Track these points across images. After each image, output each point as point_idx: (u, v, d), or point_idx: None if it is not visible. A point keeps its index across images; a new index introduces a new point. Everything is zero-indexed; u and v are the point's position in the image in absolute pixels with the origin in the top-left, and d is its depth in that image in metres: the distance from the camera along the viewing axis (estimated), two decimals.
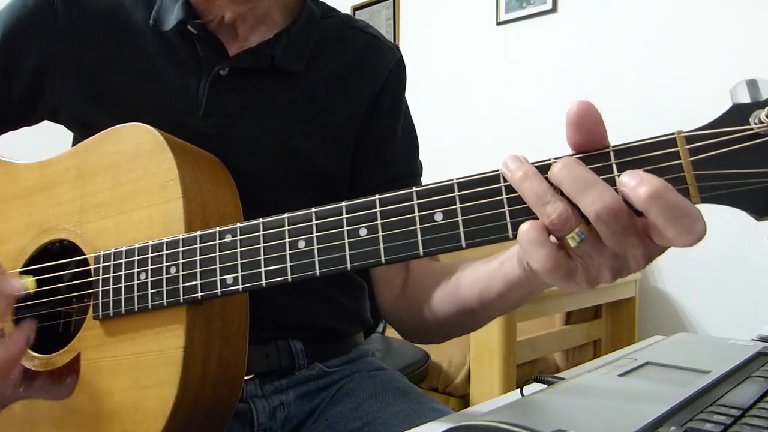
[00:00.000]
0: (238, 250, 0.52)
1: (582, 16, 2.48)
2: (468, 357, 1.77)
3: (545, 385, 0.54)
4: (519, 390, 0.56)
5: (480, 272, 0.60)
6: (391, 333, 1.92)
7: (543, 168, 0.42)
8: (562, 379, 0.52)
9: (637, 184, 0.38)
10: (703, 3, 2.17)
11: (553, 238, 0.41)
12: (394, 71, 0.80)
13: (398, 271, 0.75)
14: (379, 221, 0.46)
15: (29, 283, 0.63)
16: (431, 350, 1.91)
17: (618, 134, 0.42)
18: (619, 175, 0.40)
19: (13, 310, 0.66)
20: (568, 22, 2.52)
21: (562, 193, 0.40)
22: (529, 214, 0.42)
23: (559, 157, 0.42)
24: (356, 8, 3.28)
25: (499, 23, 2.72)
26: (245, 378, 0.67)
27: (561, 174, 0.40)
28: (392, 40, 3.08)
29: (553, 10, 2.55)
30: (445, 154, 2.71)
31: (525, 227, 0.41)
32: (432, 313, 0.68)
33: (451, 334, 0.72)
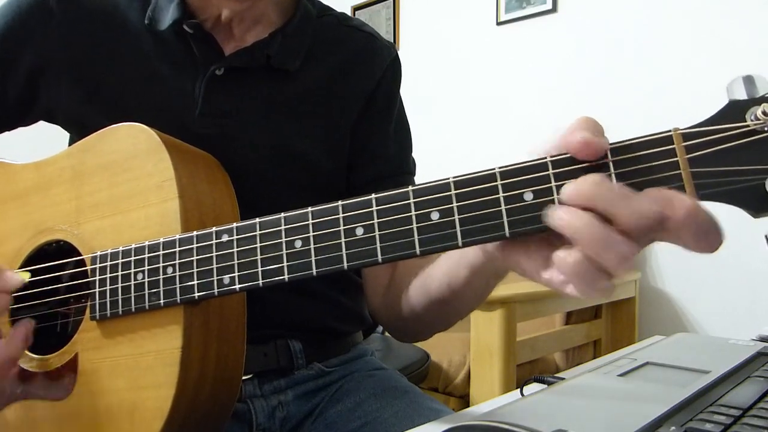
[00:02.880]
0: (235, 249, 0.52)
1: (582, 16, 2.48)
2: (468, 357, 1.77)
3: (545, 385, 0.54)
4: (519, 390, 0.56)
5: (446, 262, 0.60)
6: None
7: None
8: (562, 379, 0.52)
9: (666, 204, 0.37)
10: (703, 3, 2.16)
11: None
12: (389, 69, 0.80)
13: (384, 270, 0.75)
14: (375, 220, 0.46)
15: (23, 276, 0.63)
16: (431, 350, 1.91)
17: (618, 134, 0.41)
18: (616, 173, 0.40)
19: (10, 311, 0.66)
20: (568, 22, 2.52)
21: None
22: (523, 213, 0.42)
23: (553, 156, 0.42)
24: (356, 8, 3.28)
25: (499, 23, 2.72)
26: (244, 378, 0.67)
27: (590, 191, 0.38)
28: (392, 40, 3.09)
29: (553, 10, 2.55)
30: (445, 154, 2.72)
31: (576, 263, 0.39)
32: (409, 307, 0.68)
33: (431, 328, 0.72)
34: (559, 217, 0.39)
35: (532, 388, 0.55)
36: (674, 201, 0.37)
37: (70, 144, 0.77)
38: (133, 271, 0.57)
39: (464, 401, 1.86)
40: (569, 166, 0.41)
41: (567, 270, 0.39)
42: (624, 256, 0.37)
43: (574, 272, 0.39)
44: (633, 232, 0.37)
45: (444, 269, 0.60)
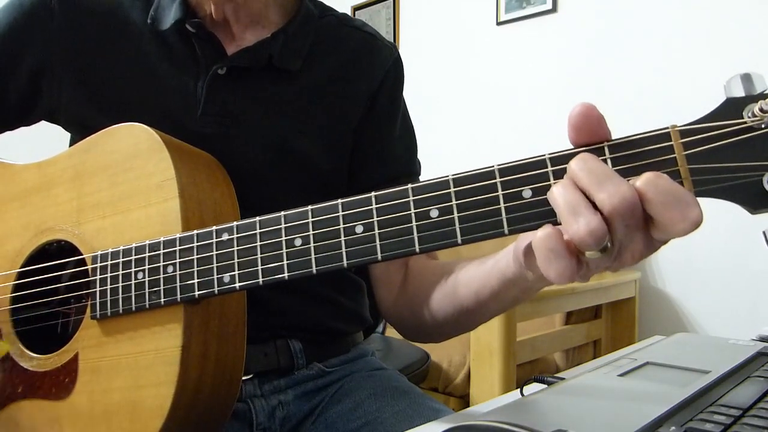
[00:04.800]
0: (235, 248, 0.52)
1: (582, 16, 2.48)
2: (468, 357, 1.77)
3: (545, 385, 0.54)
4: (519, 390, 0.56)
5: (476, 271, 0.60)
6: (391, 333, 1.91)
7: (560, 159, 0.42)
8: (562, 379, 0.52)
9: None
10: (703, 3, 2.16)
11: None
12: (391, 70, 0.80)
13: (397, 270, 0.75)
14: (375, 218, 0.46)
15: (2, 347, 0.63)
16: (431, 350, 1.91)
17: (618, 134, 0.42)
18: (614, 169, 0.40)
19: (11, 311, 0.66)
20: (568, 22, 2.52)
21: (594, 206, 0.39)
22: (522, 210, 0.42)
23: (552, 153, 0.42)
24: (356, 8, 3.28)
25: (499, 23, 2.72)
26: (244, 378, 0.67)
27: (577, 167, 0.39)
28: (392, 40, 3.08)
29: (553, 10, 2.55)
30: (445, 154, 2.72)
31: (544, 234, 0.40)
32: (430, 312, 0.68)
33: (450, 333, 0.72)
34: (549, 191, 0.40)
35: (532, 388, 0.55)
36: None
37: (71, 144, 0.77)
38: (133, 270, 0.57)
39: (464, 401, 1.86)
40: (568, 162, 0.41)
41: (537, 244, 0.40)
42: (592, 231, 0.37)
43: (541, 245, 0.39)
44: (611, 214, 0.38)
45: (472, 277, 0.60)
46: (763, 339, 0.63)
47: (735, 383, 0.45)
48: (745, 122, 0.38)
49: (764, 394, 0.41)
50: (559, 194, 0.39)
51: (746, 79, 0.38)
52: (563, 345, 2.04)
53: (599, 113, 0.41)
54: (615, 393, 0.44)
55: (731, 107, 0.39)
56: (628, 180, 0.38)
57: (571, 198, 0.39)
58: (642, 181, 0.38)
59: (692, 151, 0.39)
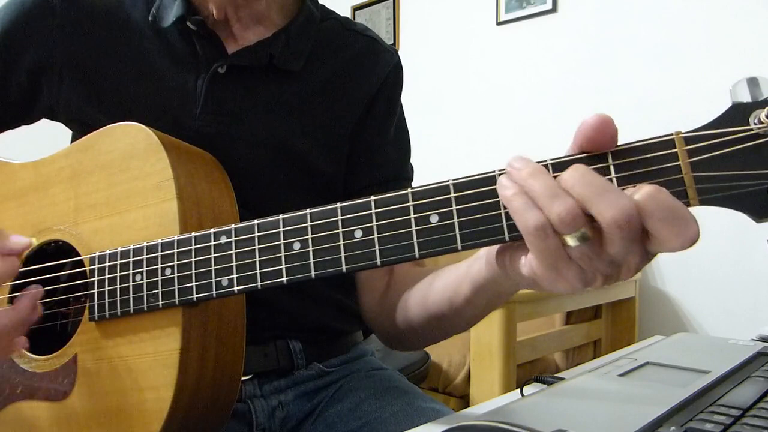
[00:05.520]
0: (233, 251, 0.52)
1: (582, 16, 2.47)
2: (468, 357, 1.77)
3: (545, 385, 0.54)
4: (519, 390, 0.56)
5: (449, 276, 0.60)
6: None
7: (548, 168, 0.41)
8: (562, 379, 0.52)
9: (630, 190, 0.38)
10: (703, 2, 2.16)
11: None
12: (391, 74, 0.80)
13: (381, 275, 0.74)
14: (374, 223, 0.46)
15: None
16: (431, 350, 1.91)
17: (619, 136, 0.41)
18: (617, 176, 0.39)
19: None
20: (568, 22, 2.52)
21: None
22: None
23: (554, 159, 0.42)
24: (356, 8, 3.28)
25: (499, 23, 2.71)
26: (244, 378, 0.67)
27: (573, 179, 0.39)
28: (392, 41, 3.08)
29: (553, 10, 2.55)
30: (445, 155, 2.72)
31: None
32: (406, 319, 0.68)
33: (427, 340, 0.71)
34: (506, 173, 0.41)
35: (532, 388, 0.55)
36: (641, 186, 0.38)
37: (72, 142, 0.77)
38: (131, 272, 0.57)
39: (464, 401, 1.86)
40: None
41: (521, 222, 0.40)
42: (570, 211, 0.38)
43: (525, 227, 0.39)
44: (608, 227, 0.37)
45: (447, 284, 0.60)
46: (763, 339, 0.63)
47: (735, 383, 0.45)
48: (752, 129, 0.37)
49: (764, 394, 0.41)
50: (534, 182, 0.40)
51: (753, 83, 0.38)
52: (563, 345, 2.04)
53: (615, 128, 0.40)
54: (615, 393, 0.44)
55: (737, 113, 0.38)
56: (626, 188, 0.38)
57: (546, 182, 0.39)
58: (641, 194, 0.37)
59: (697, 158, 0.38)
